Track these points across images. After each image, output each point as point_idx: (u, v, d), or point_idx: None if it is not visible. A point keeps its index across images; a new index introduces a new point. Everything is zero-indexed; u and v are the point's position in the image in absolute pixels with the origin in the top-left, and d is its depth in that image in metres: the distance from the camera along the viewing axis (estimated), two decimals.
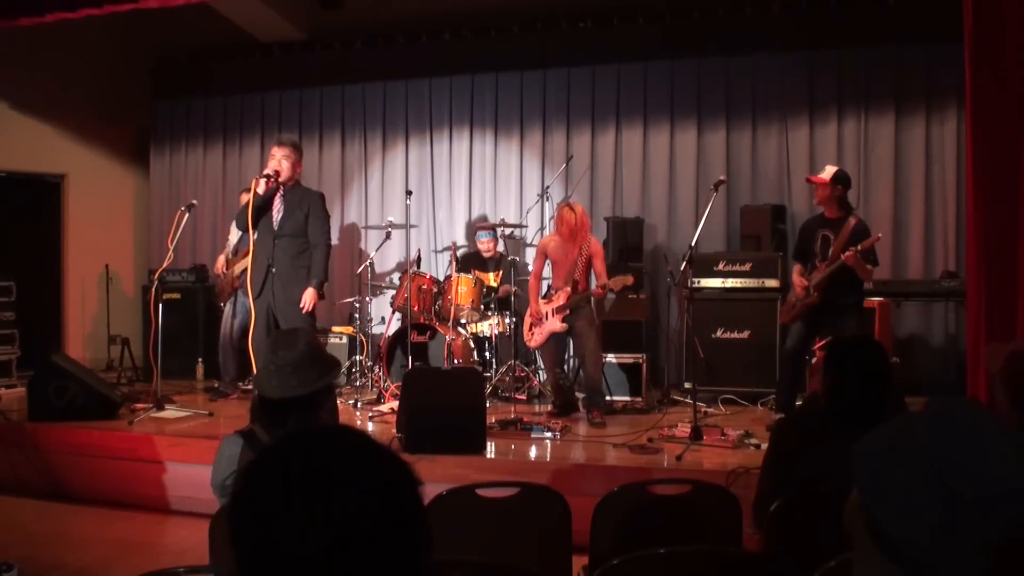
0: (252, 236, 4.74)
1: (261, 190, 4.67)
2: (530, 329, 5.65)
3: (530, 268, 6.99)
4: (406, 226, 6.34)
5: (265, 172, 4.72)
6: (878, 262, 5.03)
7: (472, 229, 7.64)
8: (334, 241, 8.19)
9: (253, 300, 4.76)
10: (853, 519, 1.01)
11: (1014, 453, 0.93)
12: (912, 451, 0.95)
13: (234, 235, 6.64)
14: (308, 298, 4.76)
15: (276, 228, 4.78)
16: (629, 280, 5.23)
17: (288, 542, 0.86)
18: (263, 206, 4.74)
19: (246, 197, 6.39)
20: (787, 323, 5.27)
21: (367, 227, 7.93)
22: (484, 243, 6.82)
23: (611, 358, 5.95)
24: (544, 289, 6.01)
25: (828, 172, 5.04)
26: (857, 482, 0.99)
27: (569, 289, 5.43)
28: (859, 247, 4.70)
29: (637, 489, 2.58)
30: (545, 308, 5.54)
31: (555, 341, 5.57)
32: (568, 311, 5.43)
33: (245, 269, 6.19)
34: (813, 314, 5.00)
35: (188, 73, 8.59)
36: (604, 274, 5.38)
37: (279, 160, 4.78)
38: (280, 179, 4.75)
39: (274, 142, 4.97)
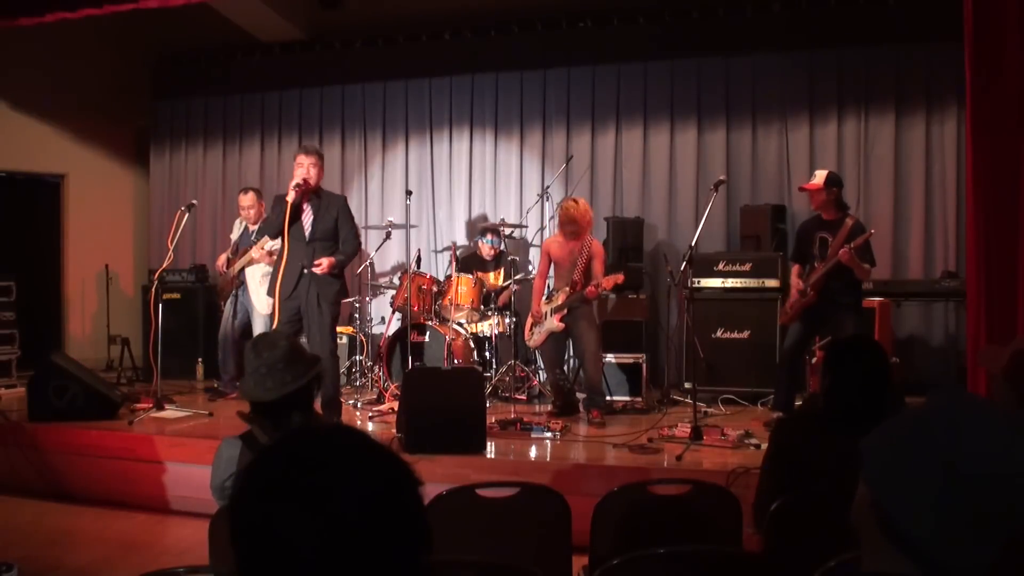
0: (285, 242, 4.89)
1: (291, 199, 4.77)
2: (531, 329, 5.66)
3: (530, 267, 6.98)
4: (406, 226, 6.34)
5: (295, 182, 4.82)
6: (875, 261, 5.03)
7: (472, 229, 7.63)
8: None
9: (281, 301, 4.83)
10: (862, 514, 1.00)
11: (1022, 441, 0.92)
12: (922, 442, 0.95)
13: (235, 234, 6.65)
14: (326, 261, 4.88)
15: (309, 233, 4.93)
16: (619, 278, 5.23)
17: (288, 542, 0.86)
18: (294, 214, 4.85)
19: (244, 200, 6.43)
20: (786, 324, 5.27)
21: (367, 227, 7.92)
22: (487, 248, 6.76)
23: (611, 358, 5.94)
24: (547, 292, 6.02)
25: (820, 177, 5.03)
26: (866, 476, 0.99)
27: (568, 289, 5.44)
28: (851, 245, 4.71)
29: (637, 489, 2.58)
30: (545, 308, 5.56)
31: (555, 341, 5.58)
32: (566, 311, 5.43)
33: (243, 268, 6.23)
34: (812, 314, 5.01)
35: (188, 73, 8.59)
36: (600, 275, 5.37)
37: (307, 168, 4.89)
38: (310, 186, 4.86)
39: (299, 150, 5.06)
